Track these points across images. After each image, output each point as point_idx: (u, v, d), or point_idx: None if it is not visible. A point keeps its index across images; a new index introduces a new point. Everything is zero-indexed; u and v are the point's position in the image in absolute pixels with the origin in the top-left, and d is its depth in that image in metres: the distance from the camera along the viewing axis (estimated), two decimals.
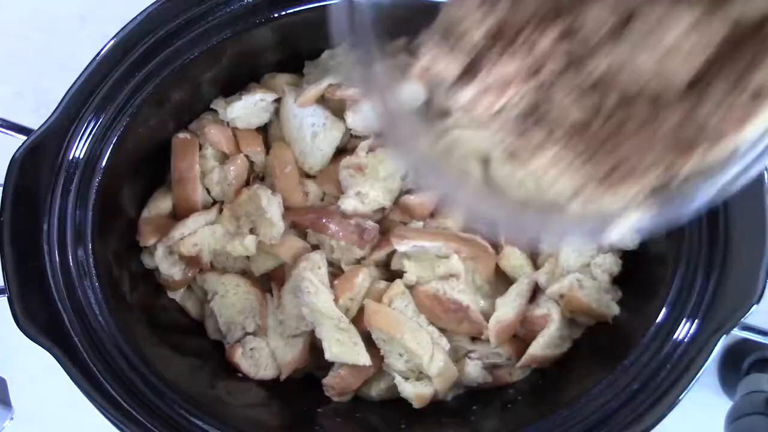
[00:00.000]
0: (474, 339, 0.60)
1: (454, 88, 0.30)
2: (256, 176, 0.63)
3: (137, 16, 0.52)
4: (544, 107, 0.30)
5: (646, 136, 0.29)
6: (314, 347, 0.61)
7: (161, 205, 0.61)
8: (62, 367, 0.50)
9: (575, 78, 0.29)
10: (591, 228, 0.31)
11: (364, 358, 0.57)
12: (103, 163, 0.53)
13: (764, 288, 0.49)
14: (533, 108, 0.30)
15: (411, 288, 0.59)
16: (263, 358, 0.60)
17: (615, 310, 0.57)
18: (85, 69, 0.52)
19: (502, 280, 0.61)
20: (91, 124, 0.52)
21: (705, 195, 0.30)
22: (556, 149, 0.30)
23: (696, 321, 0.50)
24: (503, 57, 0.29)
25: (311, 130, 0.61)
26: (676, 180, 0.29)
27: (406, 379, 0.58)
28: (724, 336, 0.49)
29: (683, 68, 0.28)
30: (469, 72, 0.30)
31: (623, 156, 0.29)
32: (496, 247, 0.60)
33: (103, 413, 0.50)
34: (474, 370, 0.59)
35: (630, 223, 0.30)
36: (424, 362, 0.56)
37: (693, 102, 0.28)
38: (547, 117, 0.30)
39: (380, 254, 0.60)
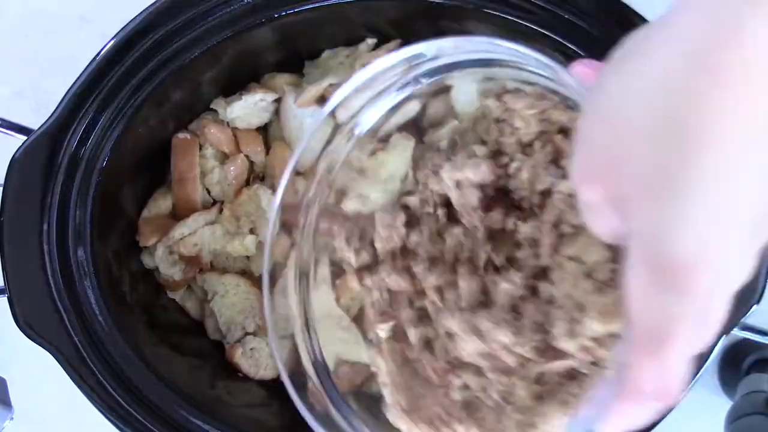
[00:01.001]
0: None
1: (357, 274, 0.36)
2: (256, 176, 0.63)
3: (137, 16, 0.52)
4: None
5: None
6: None
7: (161, 205, 0.61)
8: (62, 367, 0.50)
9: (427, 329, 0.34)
10: None
11: (365, 356, 0.57)
12: (103, 163, 0.53)
13: (764, 288, 0.49)
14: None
15: None
16: (263, 358, 0.60)
17: None
18: (85, 69, 0.52)
19: None
20: (91, 124, 0.52)
21: None
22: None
23: None
24: (394, 274, 0.34)
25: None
26: None
27: None
28: (724, 336, 0.49)
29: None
30: (369, 268, 0.36)
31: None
32: None
33: (103, 413, 0.50)
34: None
35: None
36: None
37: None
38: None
39: None
